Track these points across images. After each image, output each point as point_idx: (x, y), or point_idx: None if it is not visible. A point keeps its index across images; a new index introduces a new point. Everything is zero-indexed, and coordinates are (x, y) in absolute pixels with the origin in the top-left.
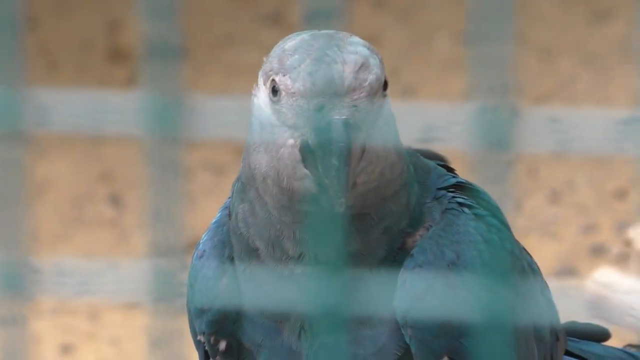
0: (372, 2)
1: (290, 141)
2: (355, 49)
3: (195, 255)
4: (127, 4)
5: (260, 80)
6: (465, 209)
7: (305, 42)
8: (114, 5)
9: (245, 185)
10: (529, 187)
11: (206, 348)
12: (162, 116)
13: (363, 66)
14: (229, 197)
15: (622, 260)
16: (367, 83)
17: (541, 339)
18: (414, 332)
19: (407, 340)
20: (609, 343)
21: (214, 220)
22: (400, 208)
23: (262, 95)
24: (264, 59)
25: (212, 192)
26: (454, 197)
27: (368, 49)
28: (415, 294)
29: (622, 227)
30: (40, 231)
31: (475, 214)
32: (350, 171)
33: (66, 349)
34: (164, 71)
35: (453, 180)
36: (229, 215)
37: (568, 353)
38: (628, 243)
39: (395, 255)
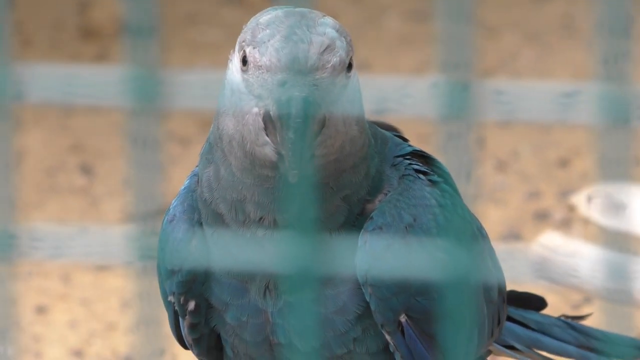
0: None
1: (255, 109)
2: (323, 30)
3: (165, 220)
4: None
5: (236, 48)
6: (421, 175)
7: (277, 19)
8: None
9: (212, 145)
10: (477, 156)
11: (176, 308)
12: (138, 89)
13: (328, 48)
14: (197, 166)
15: (565, 225)
16: (330, 64)
17: (490, 299)
18: (374, 290)
19: (367, 298)
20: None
21: (183, 187)
22: (359, 179)
23: (235, 62)
24: (243, 27)
25: (178, 163)
26: (410, 164)
27: (337, 31)
28: (375, 253)
29: (564, 194)
30: (16, 199)
31: (430, 180)
32: (305, 145)
33: (40, 309)
34: (139, 47)
35: (409, 149)
36: (197, 182)
37: (509, 318)
38: (571, 208)
39: (355, 220)
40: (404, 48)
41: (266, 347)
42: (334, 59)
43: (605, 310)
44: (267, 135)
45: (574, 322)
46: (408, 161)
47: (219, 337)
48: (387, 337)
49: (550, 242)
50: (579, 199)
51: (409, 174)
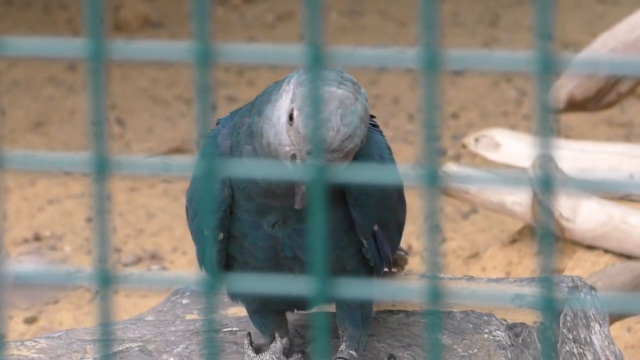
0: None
1: (287, 149)
2: (351, 120)
3: (204, 168)
4: None
5: (289, 94)
6: (375, 128)
7: (332, 104)
8: None
9: (255, 135)
10: (393, 111)
11: (209, 239)
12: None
13: (349, 137)
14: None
15: (456, 159)
16: (347, 149)
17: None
18: (360, 208)
19: (355, 215)
20: None
21: (215, 134)
22: None
23: (285, 106)
24: (295, 75)
25: (185, 117)
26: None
27: (360, 119)
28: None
29: (455, 137)
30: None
31: (378, 131)
32: (309, 197)
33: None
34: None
35: None
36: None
37: None
38: (464, 146)
39: None
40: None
41: (276, 262)
42: (350, 146)
43: (487, 217)
44: (291, 162)
45: None
46: None
47: (228, 259)
48: (364, 242)
49: (449, 169)
50: (468, 140)
51: (369, 129)
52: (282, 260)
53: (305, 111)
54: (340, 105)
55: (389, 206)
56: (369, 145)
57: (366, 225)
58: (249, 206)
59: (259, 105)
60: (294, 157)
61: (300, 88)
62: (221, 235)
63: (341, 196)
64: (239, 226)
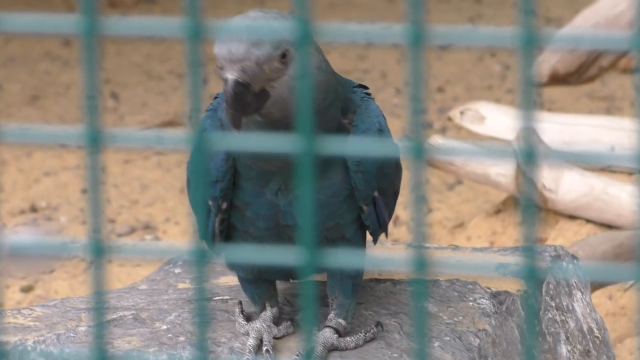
0: None
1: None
2: (253, 28)
3: (204, 140)
4: None
5: None
6: (369, 97)
7: (233, 22)
8: None
9: None
10: (380, 85)
11: (212, 209)
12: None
13: (256, 45)
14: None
15: (441, 131)
16: (254, 56)
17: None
18: (362, 174)
19: (356, 181)
20: None
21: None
22: (328, 118)
23: None
24: None
25: (178, 91)
26: (362, 91)
27: (273, 31)
28: (363, 148)
29: (441, 110)
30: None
31: (372, 99)
32: (235, 112)
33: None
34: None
35: (356, 83)
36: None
37: None
38: (449, 119)
39: (335, 132)
40: None
41: (276, 230)
42: (258, 53)
43: (472, 188)
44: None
45: None
46: (359, 89)
47: (228, 229)
48: (365, 208)
49: (435, 142)
50: (454, 113)
51: (364, 97)
52: (283, 229)
53: (219, 35)
54: (245, 18)
55: (388, 174)
56: (369, 115)
57: (367, 192)
58: (251, 174)
59: None
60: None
61: None
62: (224, 205)
63: (340, 162)
64: (241, 195)
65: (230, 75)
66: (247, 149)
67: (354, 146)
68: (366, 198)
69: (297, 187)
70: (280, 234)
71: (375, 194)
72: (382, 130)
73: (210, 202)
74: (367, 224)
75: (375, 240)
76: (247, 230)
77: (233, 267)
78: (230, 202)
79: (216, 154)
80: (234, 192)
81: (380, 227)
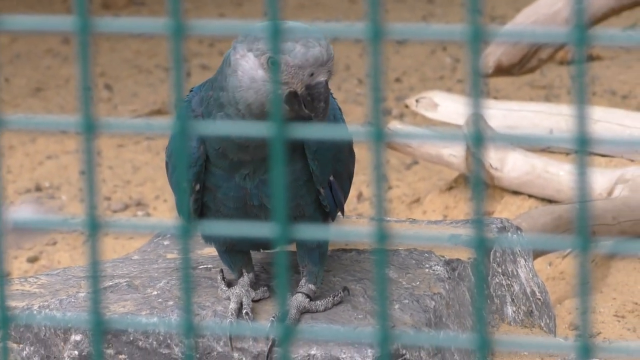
0: None
1: (280, 91)
2: (318, 34)
3: (180, 128)
4: None
5: (248, 57)
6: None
7: (296, 29)
8: None
9: (225, 105)
10: (345, 76)
11: (186, 190)
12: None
13: (329, 46)
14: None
15: (399, 117)
16: (333, 53)
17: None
18: (318, 161)
19: (313, 167)
20: None
21: (188, 100)
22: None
23: (251, 62)
24: (240, 37)
25: (165, 84)
26: None
27: (323, 34)
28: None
29: (398, 99)
30: (68, 104)
31: (330, 94)
32: (325, 113)
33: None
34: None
35: None
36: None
37: None
38: (406, 106)
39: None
40: None
41: (244, 209)
42: (334, 54)
43: (427, 167)
44: (286, 105)
45: None
46: None
47: (202, 208)
48: (321, 191)
49: (393, 127)
50: (410, 101)
51: None
52: (250, 209)
53: (285, 47)
54: (303, 30)
55: (341, 159)
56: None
57: (323, 176)
58: (222, 164)
59: (220, 82)
60: (290, 95)
61: (256, 44)
62: (197, 187)
63: (301, 151)
64: (212, 179)
65: (323, 77)
66: (221, 134)
67: (312, 133)
68: (323, 182)
69: (271, 169)
70: (248, 212)
71: (331, 178)
72: (336, 119)
73: (185, 184)
74: (324, 204)
75: (333, 219)
76: (219, 209)
77: (208, 239)
78: (202, 184)
79: (189, 142)
80: (205, 175)
81: (336, 207)
